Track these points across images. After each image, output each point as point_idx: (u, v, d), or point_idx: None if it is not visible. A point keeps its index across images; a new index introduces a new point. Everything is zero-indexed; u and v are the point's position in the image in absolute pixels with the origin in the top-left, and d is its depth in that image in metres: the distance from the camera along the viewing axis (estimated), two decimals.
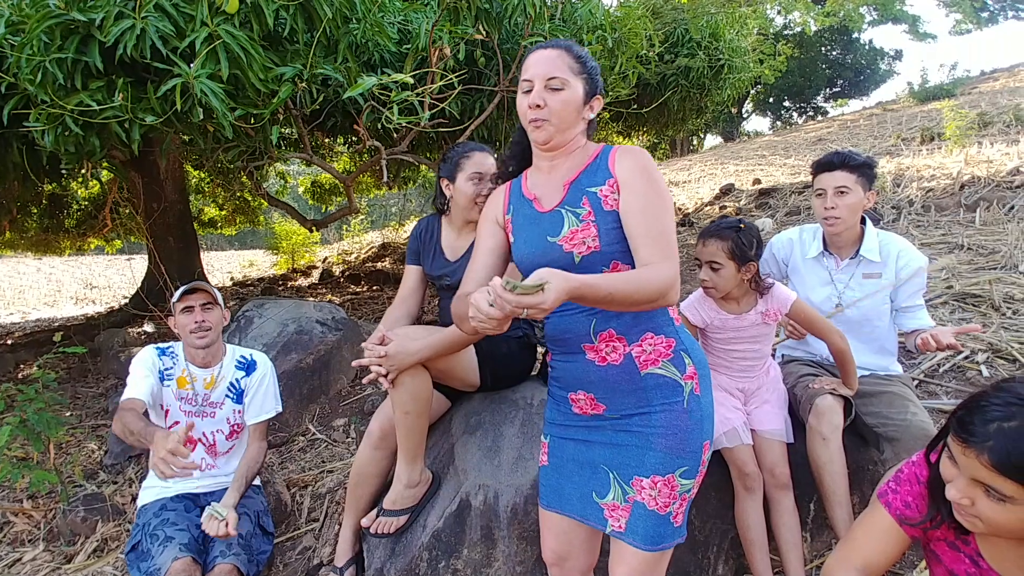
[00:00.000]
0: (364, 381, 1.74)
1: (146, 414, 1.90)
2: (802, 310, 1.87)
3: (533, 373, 2.21)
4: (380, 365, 1.59)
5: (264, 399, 2.21)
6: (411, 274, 2.10)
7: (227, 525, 1.86)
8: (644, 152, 1.30)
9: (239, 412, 2.19)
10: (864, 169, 1.98)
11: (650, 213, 1.23)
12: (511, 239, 1.41)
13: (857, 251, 2.05)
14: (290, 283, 8.43)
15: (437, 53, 3.13)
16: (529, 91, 1.30)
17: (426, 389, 1.70)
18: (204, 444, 2.16)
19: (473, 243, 1.89)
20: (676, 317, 1.33)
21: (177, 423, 2.09)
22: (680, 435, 1.25)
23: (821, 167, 2.03)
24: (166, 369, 2.12)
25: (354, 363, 1.72)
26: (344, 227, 12.95)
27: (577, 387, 1.35)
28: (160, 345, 2.18)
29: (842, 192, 1.98)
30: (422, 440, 1.78)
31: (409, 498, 1.82)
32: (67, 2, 2.33)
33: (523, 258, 1.35)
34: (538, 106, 1.28)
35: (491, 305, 1.01)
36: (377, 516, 1.82)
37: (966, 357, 2.73)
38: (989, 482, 0.97)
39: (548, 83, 1.28)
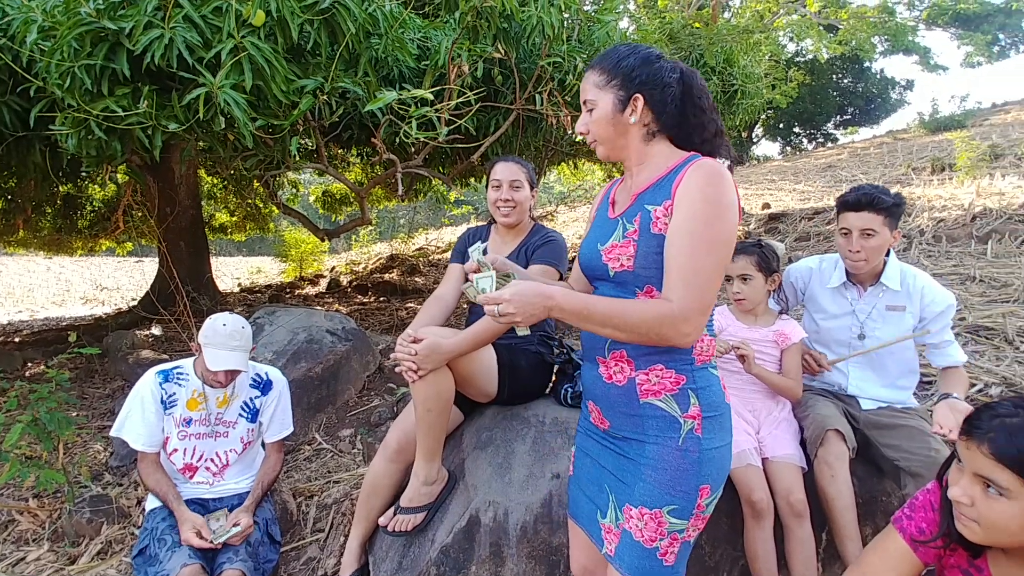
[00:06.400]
0: (395, 370, 1.77)
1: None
2: (798, 351, 2.05)
3: (546, 392, 2.21)
4: (412, 362, 1.64)
5: (283, 418, 2.23)
6: (452, 272, 2.19)
7: (238, 523, 1.95)
8: (715, 171, 1.16)
9: (252, 431, 2.19)
10: (892, 210, 1.92)
11: (686, 245, 1.14)
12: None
13: (878, 280, 2.04)
14: (297, 291, 8.47)
15: (456, 70, 3.18)
16: None
17: (449, 388, 1.75)
18: (214, 467, 2.13)
19: (516, 247, 2.11)
20: (699, 357, 1.24)
21: (176, 451, 2.08)
22: (671, 472, 1.20)
23: (848, 206, 1.97)
24: (169, 396, 2.07)
25: (391, 355, 1.77)
26: (353, 237, 13.04)
27: (590, 397, 1.38)
28: (164, 368, 2.12)
29: (868, 235, 1.93)
30: (441, 438, 1.83)
31: (426, 495, 1.84)
32: (99, 10, 2.38)
33: (581, 256, 1.37)
34: (583, 132, 1.32)
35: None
36: (394, 515, 1.84)
37: (980, 391, 2.71)
38: (988, 473, 1.01)
39: (586, 107, 1.29)
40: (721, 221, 1.14)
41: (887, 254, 2.03)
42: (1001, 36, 16.61)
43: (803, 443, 1.98)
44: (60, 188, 6.59)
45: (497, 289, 1.17)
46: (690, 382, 1.23)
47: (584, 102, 1.29)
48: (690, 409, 1.22)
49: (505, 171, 2.09)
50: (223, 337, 1.98)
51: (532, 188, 2.15)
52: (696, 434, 1.21)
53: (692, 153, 1.25)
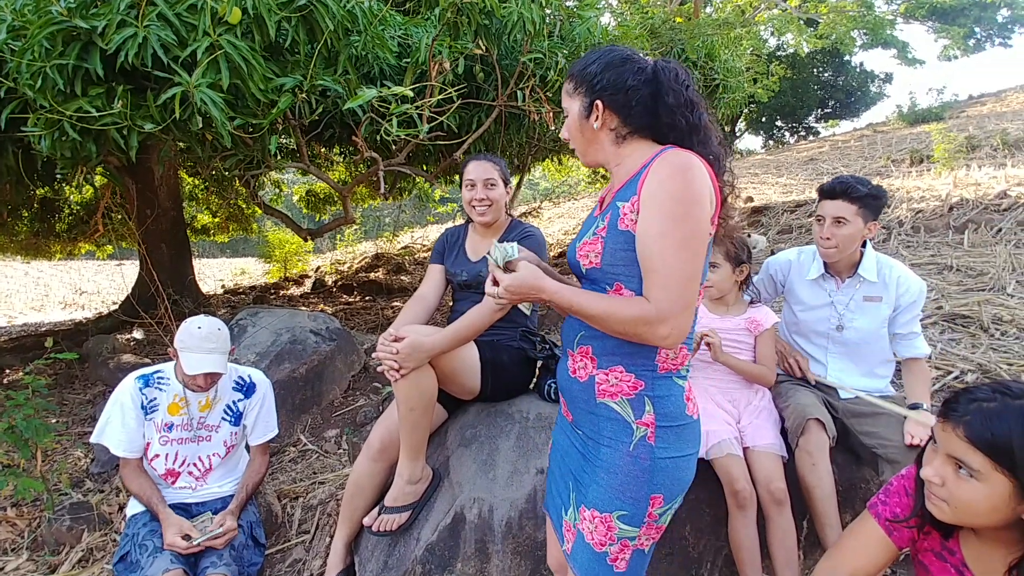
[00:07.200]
0: (378, 369, 1.78)
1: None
2: (771, 336, 2.07)
3: (530, 388, 2.22)
4: (394, 361, 1.64)
5: (267, 420, 2.21)
6: (432, 272, 2.21)
7: (222, 526, 1.93)
8: (678, 164, 1.13)
9: (236, 434, 2.17)
10: (867, 200, 1.95)
11: (656, 245, 1.11)
12: None
13: (855, 272, 2.07)
14: (282, 292, 8.40)
15: (436, 67, 3.16)
16: None
17: (432, 387, 1.75)
18: (196, 471, 2.11)
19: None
20: (663, 365, 1.21)
21: (157, 456, 2.06)
22: (621, 476, 1.18)
23: (824, 193, 2.02)
24: (150, 401, 2.04)
25: (373, 355, 1.77)
26: (337, 236, 12.95)
27: (560, 388, 1.39)
28: (144, 373, 2.08)
29: (839, 222, 1.97)
30: (425, 437, 1.82)
31: (411, 494, 1.84)
32: (70, 9, 2.34)
33: (567, 255, 1.37)
34: (566, 139, 1.33)
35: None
36: (379, 514, 1.84)
37: (956, 378, 2.76)
38: (961, 455, 1.04)
39: (564, 114, 1.30)
40: (688, 216, 1.11)
41: (864, 245, 2.06)
42: (977, 29, 16.85)
43: (783, 432, 2.01)
44: (36, 191, 6.47)
45: (507, 262, 1.23)
46: (648, 389, 1.20)
47: (563, 109, 1.31)
48: (644, 416, 1.19)
49: (478, 170, 2.09)
50: (198, 340, 1.95)
51: (506, 185, 2.15)
52: (648, 442, 1.18)
53: (663, 147, 1.21)
